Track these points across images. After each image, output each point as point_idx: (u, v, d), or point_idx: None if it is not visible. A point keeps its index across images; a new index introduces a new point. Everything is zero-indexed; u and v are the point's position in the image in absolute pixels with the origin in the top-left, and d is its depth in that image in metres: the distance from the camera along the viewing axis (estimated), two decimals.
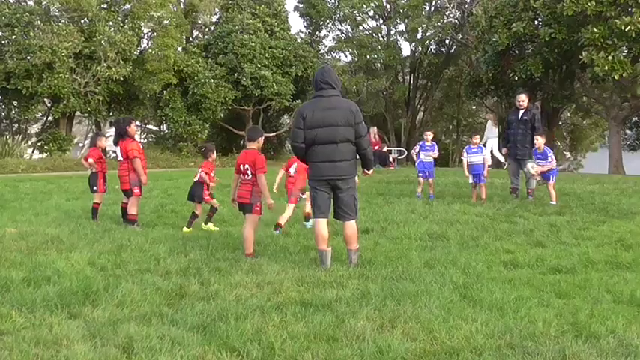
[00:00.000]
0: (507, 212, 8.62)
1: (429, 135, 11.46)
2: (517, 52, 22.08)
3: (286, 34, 27.37)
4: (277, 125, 30.91)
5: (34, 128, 28.05)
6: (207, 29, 29.56)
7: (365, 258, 5.50)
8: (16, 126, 25.79)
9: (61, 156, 22.81)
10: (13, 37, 20.93)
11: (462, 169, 11.42)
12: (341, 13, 30.88)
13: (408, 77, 33.35)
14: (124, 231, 7.26)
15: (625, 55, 17.93)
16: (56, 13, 22.81)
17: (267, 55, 25.55)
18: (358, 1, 29.40)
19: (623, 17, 16.60)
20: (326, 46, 33.42)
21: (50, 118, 25.57)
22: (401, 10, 30.07)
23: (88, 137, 32.56)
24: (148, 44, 26.01)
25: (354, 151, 5.39)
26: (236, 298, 4.26)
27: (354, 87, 31.31)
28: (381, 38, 32.06)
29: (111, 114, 26.50)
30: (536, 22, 20.41)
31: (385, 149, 23.85)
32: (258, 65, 25.09)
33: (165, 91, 25.68)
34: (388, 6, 31.10)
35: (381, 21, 32.19)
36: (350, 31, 31.99)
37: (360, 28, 31.63)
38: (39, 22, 21.21)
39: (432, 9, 30.47)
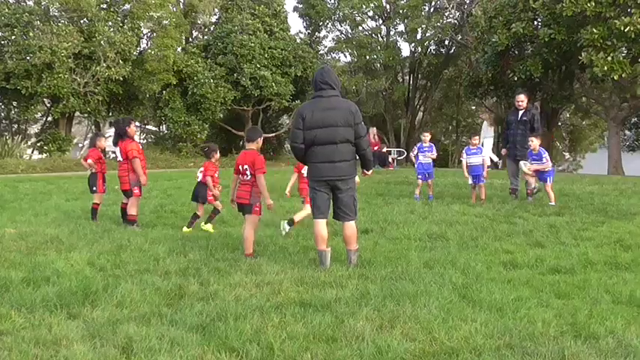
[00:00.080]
0: (507, 213, 8.61)
1: (427, 136, 11.45)
2: (516, 52, 22.10)
3: (286, 35, 27.38)
4: (277, 126, 30.93)
5: (34, 128, 28.05)
6: (206, 29, 29.57)
7: (364, 258, 5.50)
8: (16, 126, 25.78)
9: (60, 156, 22.80)
10: (13, 37, 20.92)
11: (461, 170, 11.44)
12: (340, 14, 30.90)
13: (407, 78, 33.37)
14: (123, 231, 7.26)
15: (624, 55, 17.97)
16: (55, 14, 22.79)
17: (266, 55, 25.56)
18: (358, 2, 29.41)
19: (623, 18, 16.61)
20: (325, 47, 33.53)
21: (49, 119, 25.54)
22: (400, 11, 30.10)
23: (88, 137, 32.55)
24: (147, 44, 26.03)
25: (353, 152, 5.38)
26: (235, 298, 4.26)
27: (354, 87, 31.34)
28: (380, 39, 32.05)
29: (110, 114, 26.49)
30: (535, 23, 20.43)
31: (384, 150, 23.88)
32: (258, 65, 25.10)
33: (164, 92, 25.69)
34: (388, 6, 31.10)
35: (381, 21, 32.21)
36: (349, 31, 32.01)
37: (360, 28, 31.66)
38: (38, 22, 21.21)
39: (432, 9, 30.48)
